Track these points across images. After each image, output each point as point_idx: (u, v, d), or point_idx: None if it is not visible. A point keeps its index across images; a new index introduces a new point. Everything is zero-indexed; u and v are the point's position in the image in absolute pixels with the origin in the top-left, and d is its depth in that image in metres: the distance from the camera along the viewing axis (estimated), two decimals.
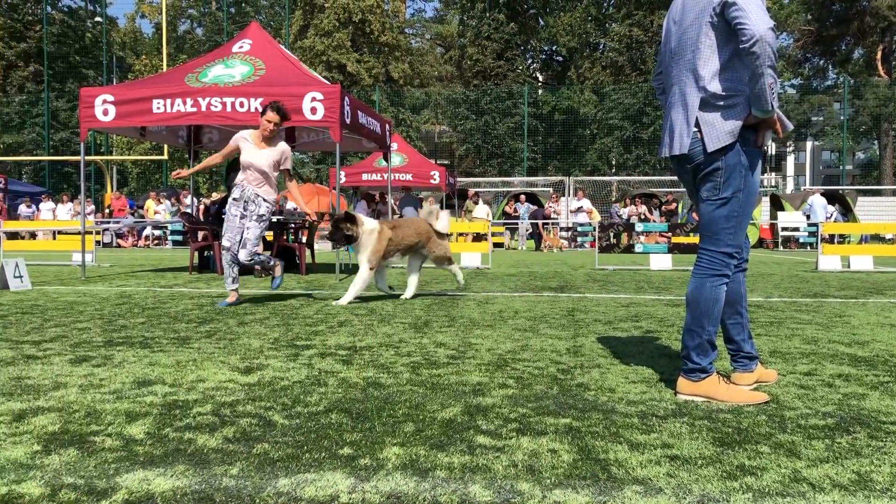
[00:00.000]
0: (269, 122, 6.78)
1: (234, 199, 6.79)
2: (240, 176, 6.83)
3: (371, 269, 6.98)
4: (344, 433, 2.65)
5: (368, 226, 6.97)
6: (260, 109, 9.35)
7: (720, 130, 3.07)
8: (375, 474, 2.23)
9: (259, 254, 6.80)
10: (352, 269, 11.80)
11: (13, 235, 18.66)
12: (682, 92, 3.20)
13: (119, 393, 3.25)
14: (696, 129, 3.13)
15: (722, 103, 3.07)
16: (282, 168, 6.95)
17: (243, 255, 6.66)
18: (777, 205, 24.84)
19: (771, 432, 2.68)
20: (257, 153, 6.79)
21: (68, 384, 3.41)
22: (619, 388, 3.37)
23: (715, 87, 3.07)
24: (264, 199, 6.82)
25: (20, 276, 8.36)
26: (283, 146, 6.94)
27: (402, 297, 7.41)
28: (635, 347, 4.49)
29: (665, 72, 3.41)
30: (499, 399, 3.17)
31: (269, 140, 6.89)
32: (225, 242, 6.69)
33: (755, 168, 3.15)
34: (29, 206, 24.55)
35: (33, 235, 20.71)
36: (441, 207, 23.60)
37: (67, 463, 2.31)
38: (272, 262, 6.94)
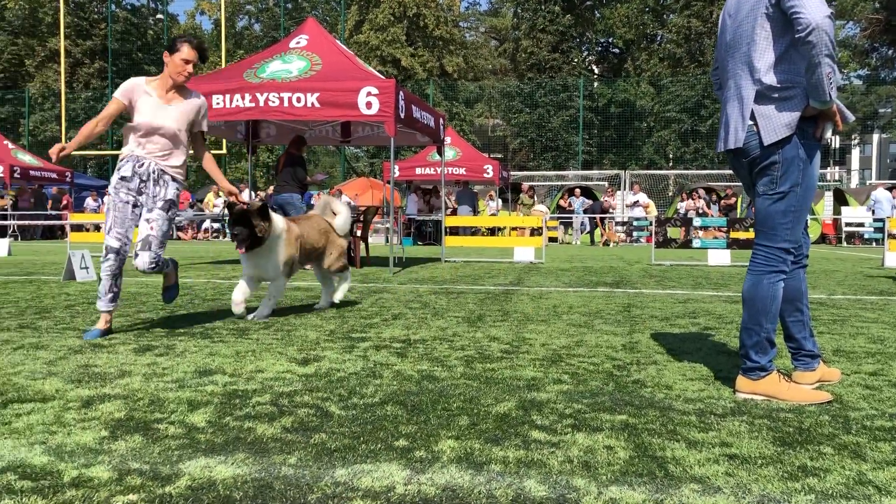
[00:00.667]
0: (187, 62, 4.69)
1: (122, 177, 4.62)
2: (131, 144, 4.68)
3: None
4: (399, 425, 2.68)
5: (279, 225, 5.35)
6: (317, 105, 9.43)
7: (777, 123, 3.00)
8: (431, 466, 2.25)
9: (165, 259, 4.90)
10: (406, 263, 11.88)
11: (78, 227, 19.27)
12: (737, 85, 3.14)
13: (181, 382, 3.34)
14: (751, 123, 3.07)
15: (778, 95, 3.00)
16: (195, 130, 4.92)
17: (144, 261, 4.59)
18: (841, 199, 24.14)
19: (834, 433, 2.61)
20: (163, 110, 4.69)
21: (133, 372, 3.52)
22: (676, 386, 3.33)
23: (771, 79, 3.00)
24: (173, 178, 4.75)
25: (86, 268, 8.63)
26: (198, 99, 4.90)
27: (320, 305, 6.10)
28: (693, 344, 4.42)
29: (721, 66, 3.34)
30: (553, 394, 3.16)
31: (181, 90, 4.82)
32: (111, 241, 4.56)
33: (814, 161, 3.07)
34: (95, 200, 25.29)
35: (98, 228, 21.34)
36: (489, 199, 23.55)
37: (133, 449, 2.39)
38: (171, 267, 5.03)
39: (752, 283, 3.14)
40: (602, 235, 21.29)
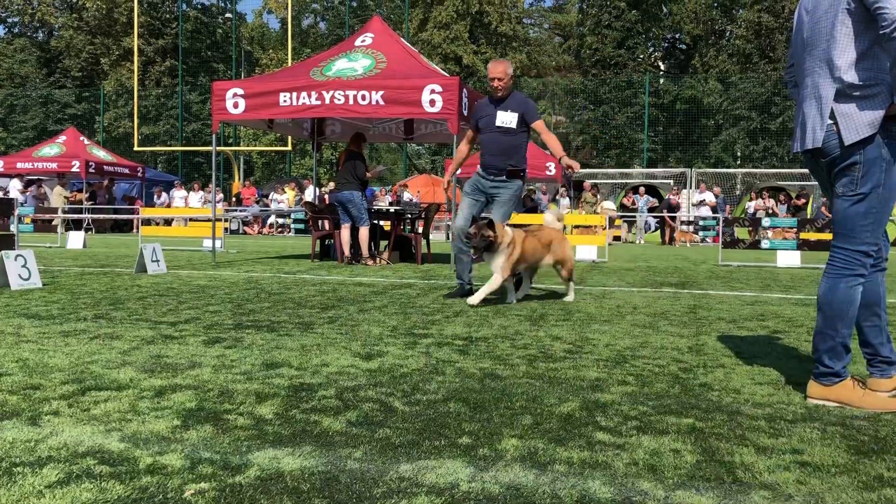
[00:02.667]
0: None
1: None
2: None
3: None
4: (462, 422, 2.69)
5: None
6: (381, 102, 9.51)
7: (859, 122, 2.90)
8: (494, 465, 2.25)
9: None
10: None
11: (147, 222, 19.87)
12: (815, 84, 3.05)
13: (249, 374, 3.41)
14: (831, 122, 2.97)
15: (860, 93, 2.90)
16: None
17: None
18: None
19: None
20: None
21: (202, 364, 3.61)
22: (744, 390, 3.26)
23: (852, 76, 2.91)
24: None
25: (157, 261, 8.90)
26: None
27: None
28: (761, 348, 4.32)
29: (797, 64, 3.25)
30: (618, 396, 3.13)
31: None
32: None
33: None
34: (159, 196, 26.01)
35: (168, 222, 21.96)
36: (555, 199, 23.37)
37: (204, 438, 2.45)
38: None
39: (829, 286, 3.05)
40: (677, 236, 20.87)
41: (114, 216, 23.72)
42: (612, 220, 12.28)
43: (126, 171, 25.89)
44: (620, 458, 2.33)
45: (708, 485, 2.12)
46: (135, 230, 23.02)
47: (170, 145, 38.89)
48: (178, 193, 25.98)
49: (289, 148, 29.71)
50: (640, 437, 2.56)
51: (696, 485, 2.12)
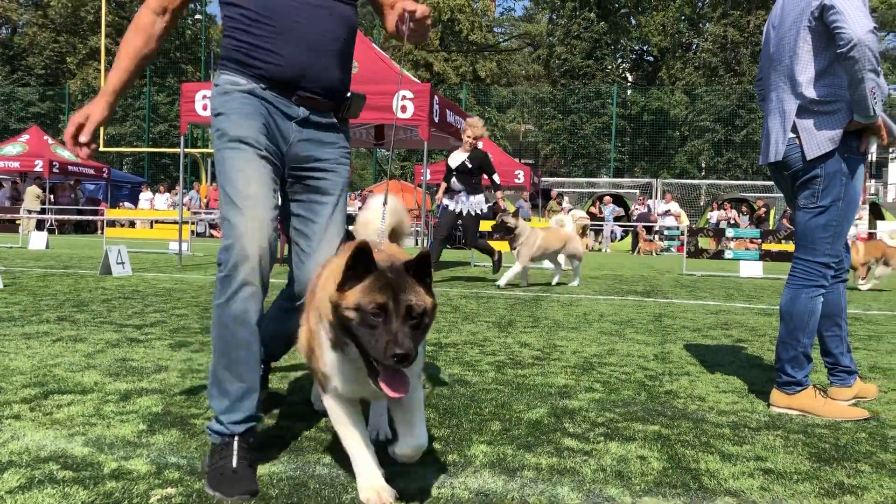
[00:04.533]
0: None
1: None
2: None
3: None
4: (432, 428, 2.69)
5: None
6: None
7: (820, 137, 2.97)
8: (464, 470, 2.26)
9: None
10: (436, 267, 11.86)
11: (112, 223, 19.56)
12: (779, 98, 3.12)
13: None
14: (793, 136, 3.04)
15: (821, 109, 2.97)
16: None
17: None
18: (877, 213, 23.74)
19: (871, 450, 2.58)
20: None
21: (169, 368, 3.57)
22: (709, 397, 3.31)
23: (813, 92, 2.98)
24: None
25: (122, 263, 8.77)
26: None
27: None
28: (725, 356, 4.38)
29: (765, 78, 3.32)
30: (585, 402, 3.15)
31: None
32: None
33: (857, 176, 3.03)
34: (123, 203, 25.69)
35: (132, 224, 21.65)
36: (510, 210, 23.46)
37: (171, 443, 2.43)
38: None
39: (791, 297, 3.11)
40: (641, 245, 21.07)
41: (78, 217, 23.33)
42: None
43: (91, 171, 25.49)
44: (588, 465, 2.35)
45: (674, 491, 2.15)
46: (99, 232, 22.66)
47: (136, 146, 38.36)
48: (144, 195, 25.63)
49: None
50: (607, 443, 2.58)
51: (662, 491, 2.14)
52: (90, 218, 23.26)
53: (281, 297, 2.72)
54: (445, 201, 8.75)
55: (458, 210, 8.65)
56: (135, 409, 2.80)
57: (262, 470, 2.20)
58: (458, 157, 8.74)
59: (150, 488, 2.03)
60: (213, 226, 25.34)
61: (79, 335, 4.40)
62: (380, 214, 2.29)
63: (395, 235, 2.46)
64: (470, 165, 8.60)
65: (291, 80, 2.29)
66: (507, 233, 8.22)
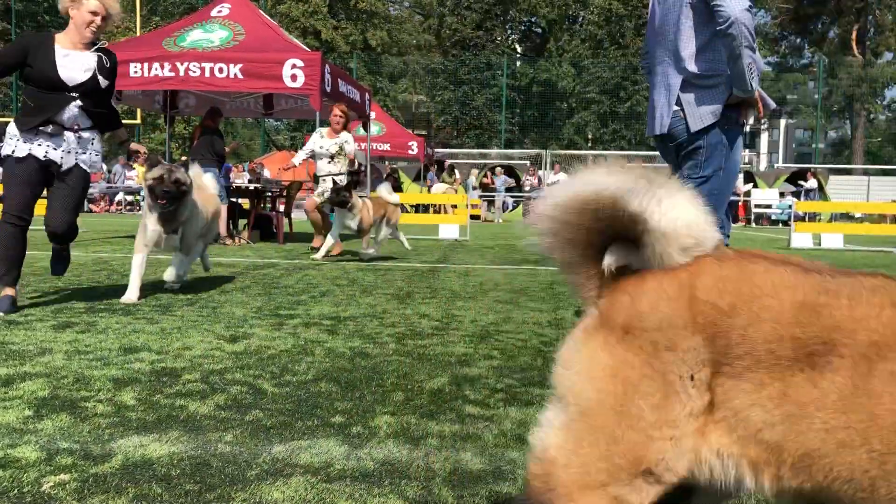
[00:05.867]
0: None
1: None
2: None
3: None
4: (335, 402, 2.69)
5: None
6: (240, 76, 9.23)
7: (703, 111, 3.12)
8: (368, 442, 2.28)
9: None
10: None
11: None
12: (664, 73, 3.25)
13: (106, 359, 3.25)
14: (677, 108, 3.18)
15: (703, 83, 3.11)
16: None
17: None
18: (751, 182, 25.12)
19: None
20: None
21: (54, 350, 3.41)
22: None
23: (695, 67, 3.12)
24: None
25: None
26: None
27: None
28: None
29: (650, 52, 3.44)
30: (485, 370, 3.22)
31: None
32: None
33: (736, 146, 3.20)
34: None
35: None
36: (422, 178, 23.51)
37: (61, 428, 2.33)
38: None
39: None
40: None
41: None
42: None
43: None
44: (490, 430, 2.41)
45: None
46: None
47: (3, 116, 35.94)
48: None
49: (138, 121, 28.19)
50: (507, 408, 2.65)
51: None
52: None
53: None
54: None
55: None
56: (19, 395, 2.66)
57: (160, 451, 2.15)
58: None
59: (41, 475, 1.95)
60: (90, 200, 24.14)
61: None
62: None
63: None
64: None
65: None
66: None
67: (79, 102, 4.46)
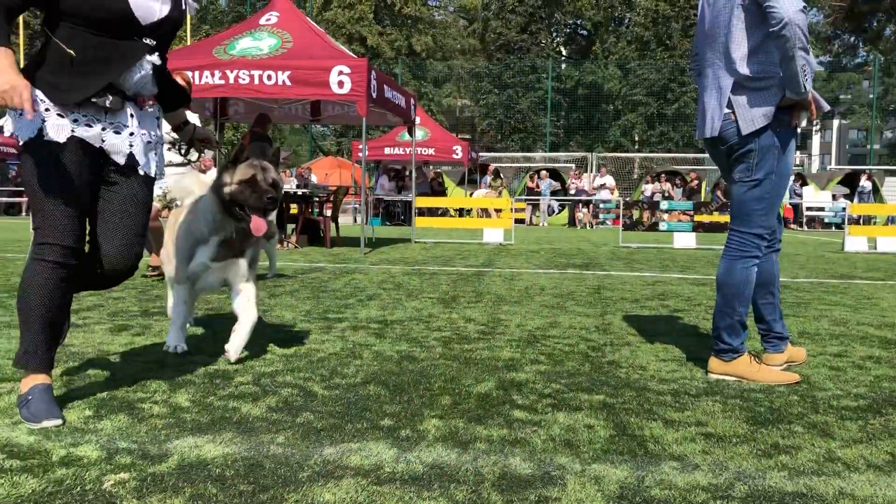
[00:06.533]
0: None
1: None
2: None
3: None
4: (383, 405, 2.72)
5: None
6: (288, 83, 9.36)
7: (754, 113, 3.07)
8: (417, 445, 2.30)
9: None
10: (376, 244, 11.87)
11: None
12: (714, 75, 3.21)
13: (161, 361, 3.33)
14: (728, 111, 3.14)
15: (755, 86, 3.07)
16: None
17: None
18: (802, 183, 24.58)
19: (803, 412, 2.71)
20: None
21: (111, 352, 3.51)
22: (650, 366, 3.42)
23: (747, 69, 3.07)
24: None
25: None
26: None
27: None
28: (664, 326, 4.52)
29: (700, 54, 3.40)
30: (532, 374, 3.22)
31: None
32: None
33: (788, 149, 3.15)
34: None
35: None
36: (464, 182, 23.55)
37: (119, 428, 2.40)
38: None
39: (727, 267, 3.22)
40: (582, 218, 21.43)
41: (5, 199, 22.43)
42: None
43: (13, 150, 24.49)
44: (538, 435, 2.41)
45: (622, 457, 2.22)
46: (24, 213, 21.85)
47: None
48: None
49: None
50: (555, 413, 2.65)
51: (610, 458, 2.22)
52: (17, 200, 22.40)
53: None
54: None
55: None
56: (79, 396, 2.75)
57: (216, 451, 2.20)
58: None
59: (102, 474, 2.01)
60: None
61: (13, 321, 4.26)
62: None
63: None
64: None
65: None
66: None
67: (155, 57, 2.67)
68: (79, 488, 1.92)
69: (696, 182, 23.15)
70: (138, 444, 2.26)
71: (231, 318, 3.50)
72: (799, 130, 3.21)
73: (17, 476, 1.98)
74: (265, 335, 3.98)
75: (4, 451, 2.16)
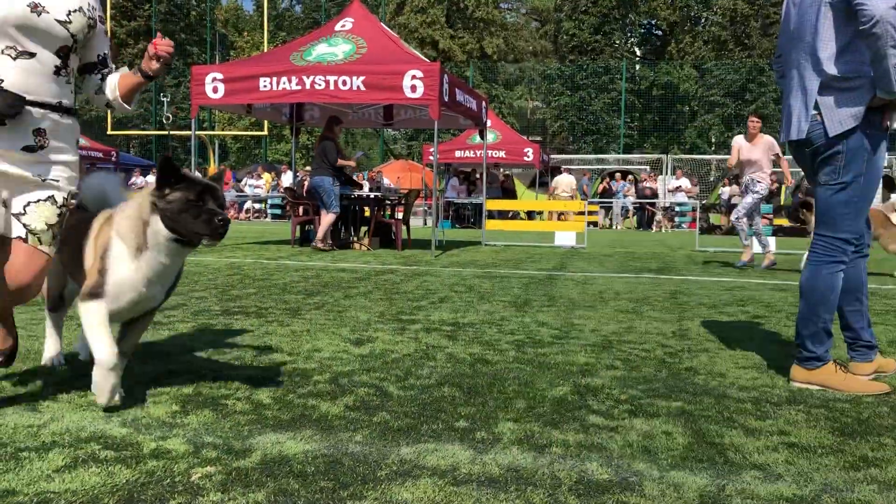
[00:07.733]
0: None
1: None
2: None
3: None
4: (458, 406, 2.74)
5: None
6: (362, 88, 9.49)
7: (842, 114, 2.97)
8: (493, 447, 2.31)
9: None
10: (446, 246, 11.92)
11: None
12: (800, 76, 3.12)
13: (242, 360, 3.43)
14: (815, 112, 3.05)
15: (843, 86, 2.97)
16: None
17: None
18: (890, 186, 23.62)
19: (894, 424, 2.61)
20: None
21: (195, 349, 3.63)
22: (729, 374, 3.34)
23: (835, 69, 2.98)
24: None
25: None
26: None
27: None
28: (743, 332, 4.41)
29: (784, 55, 3.32)
30: (607, 380, 3.19)
31: None
32: None
33: (879, 152, 3.04)
34: (140, 176, 25.77)
35: None
36: (535, 185, 23.39)
37: (205, 423, 2.48)
38: None
39: (812, 273, 3.13)
40: (657, 222, 21.09)
41: None
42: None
43: (99, 155, 25.55)
44: (615, 441, 2.39)
45: (701, 465, 2.19)
46: None
47: (142, 129, 38.40)
48: (137, 181, 25.67)
49: (265, 132, 29.48)
50: (632, 419, 2.62)
51: (689, 465, 2.18)
52: None
53: None
54: None
55: None
56: (166, 391, 2.85)
57: (297, 448, 2.25)
58: None
59: (189, 467, 2.09)
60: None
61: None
62: None
63: None
64: None
65: None
66: None
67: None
68: (168, 480, 1.99)
69: (775, 185, 22.47)
70: (223, 439, 2.33)
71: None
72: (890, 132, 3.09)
73: (111, 466, 2.07)
74: (341, 335, 4.05)
75: (99, 443, 2.26)
